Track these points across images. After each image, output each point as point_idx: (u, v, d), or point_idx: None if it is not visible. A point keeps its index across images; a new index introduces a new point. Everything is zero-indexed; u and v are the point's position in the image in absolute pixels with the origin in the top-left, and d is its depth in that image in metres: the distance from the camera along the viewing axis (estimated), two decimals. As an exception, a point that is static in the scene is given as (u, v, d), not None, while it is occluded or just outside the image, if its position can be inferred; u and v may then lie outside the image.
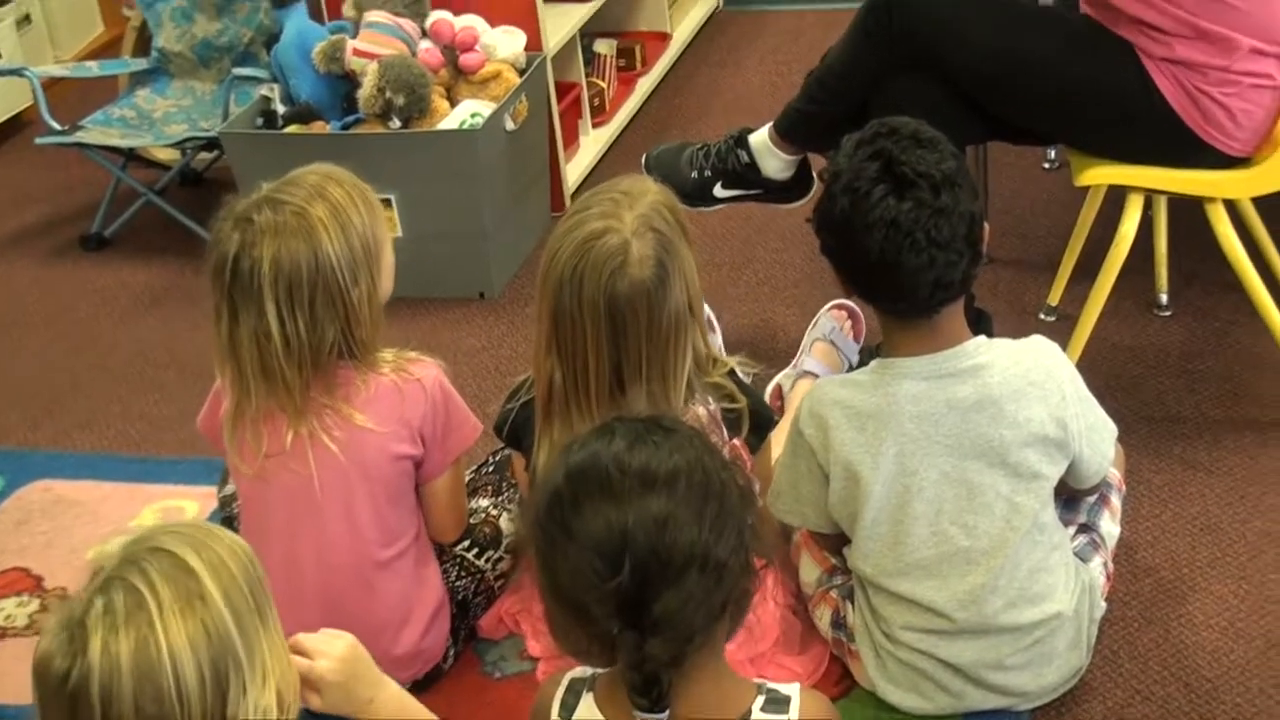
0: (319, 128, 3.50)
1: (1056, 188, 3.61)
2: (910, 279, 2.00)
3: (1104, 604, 2.23)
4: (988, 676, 2.12)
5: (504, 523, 2.44)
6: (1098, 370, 2.91)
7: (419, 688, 2.25)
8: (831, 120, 2.79)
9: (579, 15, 4.00)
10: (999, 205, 3.51)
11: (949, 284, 2.01)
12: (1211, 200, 2.68)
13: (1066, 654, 2.16)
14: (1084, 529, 2.27)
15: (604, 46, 4.39)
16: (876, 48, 2.70)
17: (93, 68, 4.24)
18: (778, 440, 2.37)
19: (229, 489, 2.48)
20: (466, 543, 2.38)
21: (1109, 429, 2.18)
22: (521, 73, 3.61)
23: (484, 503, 2.47)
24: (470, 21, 3.57)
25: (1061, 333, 2.95)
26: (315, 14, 3.69)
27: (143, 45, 4.18)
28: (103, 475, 3.00)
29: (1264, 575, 2.42)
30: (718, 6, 5.17)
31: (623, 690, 1.52)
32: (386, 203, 3.41)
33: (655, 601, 1.45)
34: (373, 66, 3.39)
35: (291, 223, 2.09)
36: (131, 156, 3.99)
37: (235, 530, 2.35)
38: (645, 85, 4.52)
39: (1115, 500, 2.32)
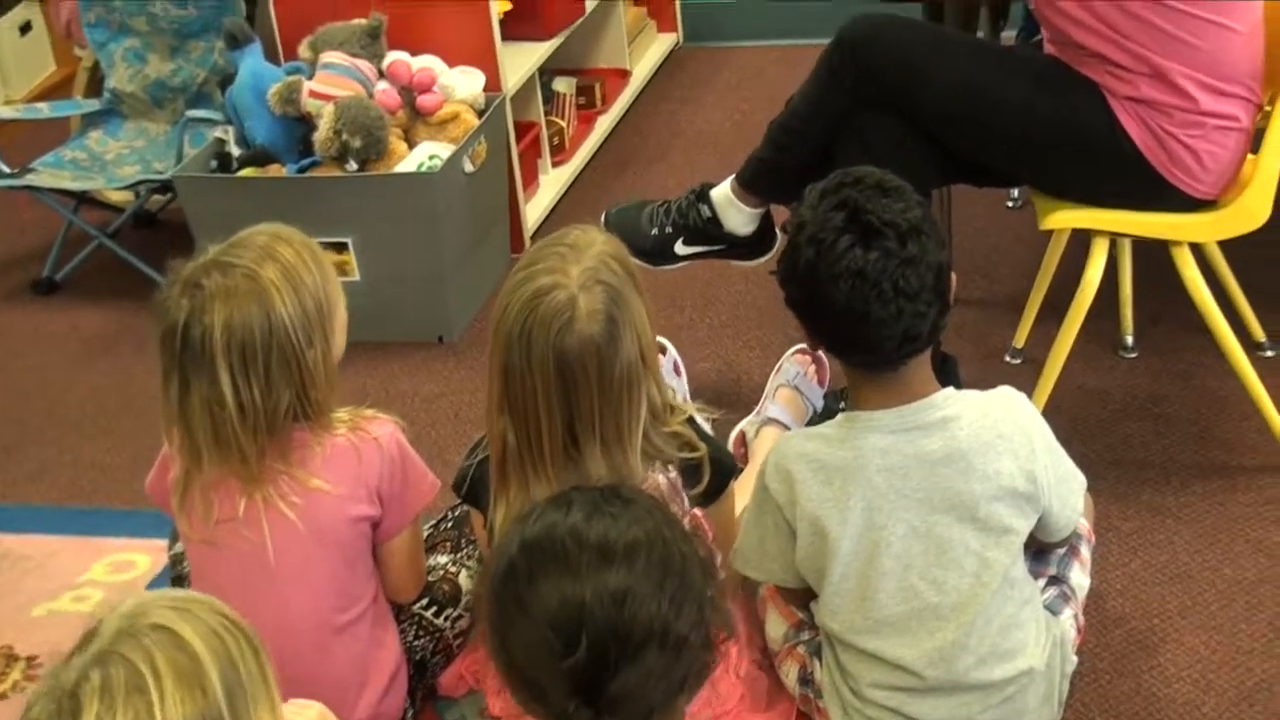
0: (274, 171, 3.45)
1: (1021, 226, 3.59)
2: (878, 330, 1.96)
3: (1075, 658, 2.19)
4: (958, 734, 2.08)
5: (463, 579, 2.39)
6: (1064, 414, 2.89)
7: (377, 751, 2.20)
8: (795, 167, 2.75)
9: (538, 54, 3.96)
10: (963, 244, 3.48)
11: (917, 335, 1.97)
12: (1177, 243, 2.66)
13: (1038, 710, 2.12)
14: (1054, 581, 2.23)
15: (563, 85, 4.35)
16: (840, 88, 2.66)
17: (43, 109, 4.17)
18: (742, 489, 2.33)
19: (179, 547, 2.42)
20: (425, 600, 2.33)
21: (1078, 481, 2.14)
22: (480, 113, 3.57)
23: (442, 559, 2.41)
24: (428, 62, 3.53)
25: (1028, 376, 2.95)
26: (270, 55, 3.65)
27: (95, 86, 4.12)
28: (53, 528, 2.93)
29: (1235, 625, 2.39)
30: (677, 43, 5.15)
31: None
32: (343, 246, 3.37)
33: (613, 680, 1.40)
34: (329, 109, 3.34)
35: (242, 286, 2.04)
36: (84, 199, 3.93)
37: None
38: (605, 123, 4.49)
39: (1085, 551, 2.29)
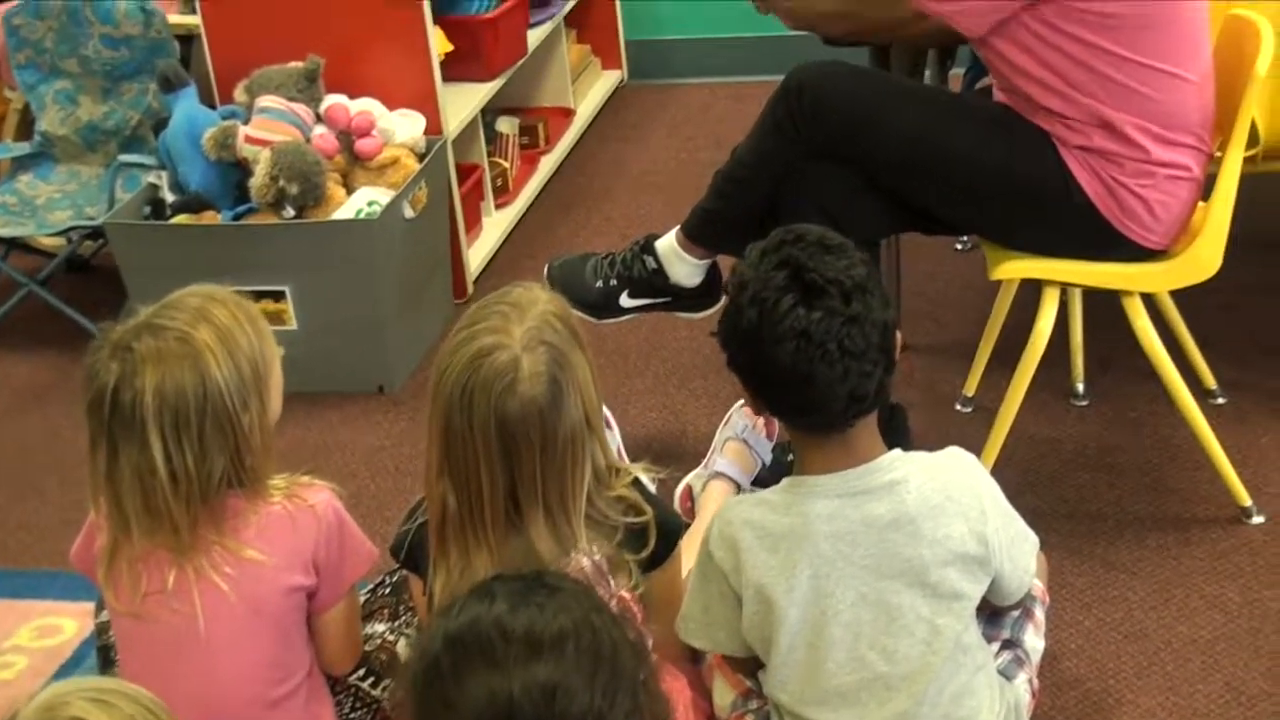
0: (209, 218, 3.37)
1: (970, 270, 3.55)
2: (824, 392, 1.90)
3: (1030, 723, 2.14)
4: (911, 806, 2.02)
5: (401, 648, 2.30)
6: (1016, 465, 2.85)
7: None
8: (742, 218, 2.71)
9: (480, 95, 3.90)
10: (911, 288, 3.44)
11: (863, 396, 1.92)
12: (1128, 293, 2.62)
13: (992, 778, 2.06)
14: (1008, 645, 2.17)
15: (506, 125, 4.30)
16: (787, 136, 2.62)
17: (-28, 152, 4.08)
18: (689, 547, 2.27)
19: (105, 615, 2.32)
20: (361, 671, 2.25)
21: (1030, 542, 2.09)
22: (421, 157, 3.51)
23: (380, 628, 2.33)
24: (367, 105, 3.47)
25: (978, 424, 2.92)
26: (205, 98, 3.57)
27: (25, 128, 4.03)
28: (-22, 591, 2.84)
29: (1191, 685, 2.34)
30: (622, 80, 5.11)
31: None
32: (280, 295, 3.29)
33: (549, 776, 1.33)
34: (265, 154, 3.27)
35: (175, 349, 1.96)
36: (14, 244, 3.83)
37: (113, 661, 2.24)
38: (549, 163, 4.44)
39: (1039, 613, 2.23)
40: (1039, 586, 2.25)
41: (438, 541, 2.06)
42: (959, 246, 3.67)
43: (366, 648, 2.27)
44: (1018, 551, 2.04)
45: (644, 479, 2.22)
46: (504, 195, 4.13)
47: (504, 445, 1.96)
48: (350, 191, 3.39)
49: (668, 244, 2.86)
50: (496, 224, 4.04)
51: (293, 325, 3.31)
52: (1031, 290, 2.69)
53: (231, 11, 3.56)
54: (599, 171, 4.47)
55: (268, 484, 2.07)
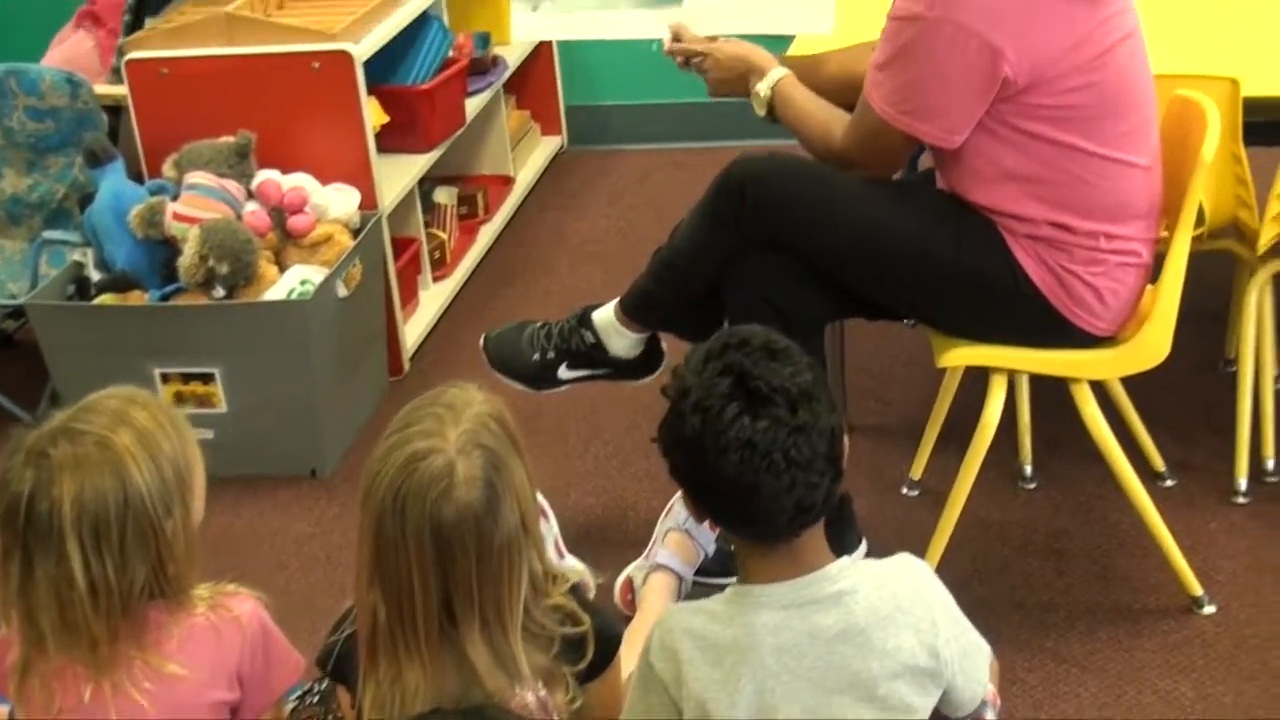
0: (136, 298, 3.28)
1: (914, 346, 3.50)
2: (769, 503, 1.83)
3: (983, 836, 2.07)
4: None
5: (330, 761, 2.22)
6: (965, 551, 2.79)
7: None
8: (681, 302, 2.66)
9: (417, 167, 3.83)
10: (855, 365, 3.39)
11: (810, 506, 1.85)
12: (1076, 380, 2.57)
13: None
14: (959, 753, 2.11)
15: (444, 195, 4.23)
16: (728, 227, 2.56)
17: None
18: (629, 646, 2.19)
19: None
20: (288, 786, 2.16)
21: (983, 652, 2.02)
22: (355, 233, 3.43)
23: (308, 740, 2.25)
24: (300, 180, 3.39)
25: (926, 508, 2.88)
26: (133, 173, 3.48)
27: (-52, 201, 3.92)
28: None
29: (1147, 787, 2.29)
30: (562, 146, 5.06)
31: None
32: (209, 377, 3.20)
33: None
34: (194, 232, 3.18)
35: (94, 455, 1.87)
36: (-64, 319, 3.73)
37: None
38: (488, 233, 4.37)
39: (990, 717, 2.17)
40: (991, 690, 2.18)
41: (368, 653, 1.97)
42: (905, 323, 3.61)
43: (293, 762, 2.18)
44: (970, 664, 1.98)
45: (583, 583, 2.16)
46: (442, 268, 4.05)
47: (438, 553, 1.89)
48: (283, 270, 3.30)
49: (606, 318, 2.80)
50: (434, 297, 3.96)
51: (222, 408, 3.22)
52: (978, 372, 2.64)
53: (161, 84, 3.47)
54: (539, 241, 4.41)
55: (191, 594, 1.99)
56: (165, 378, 3.23)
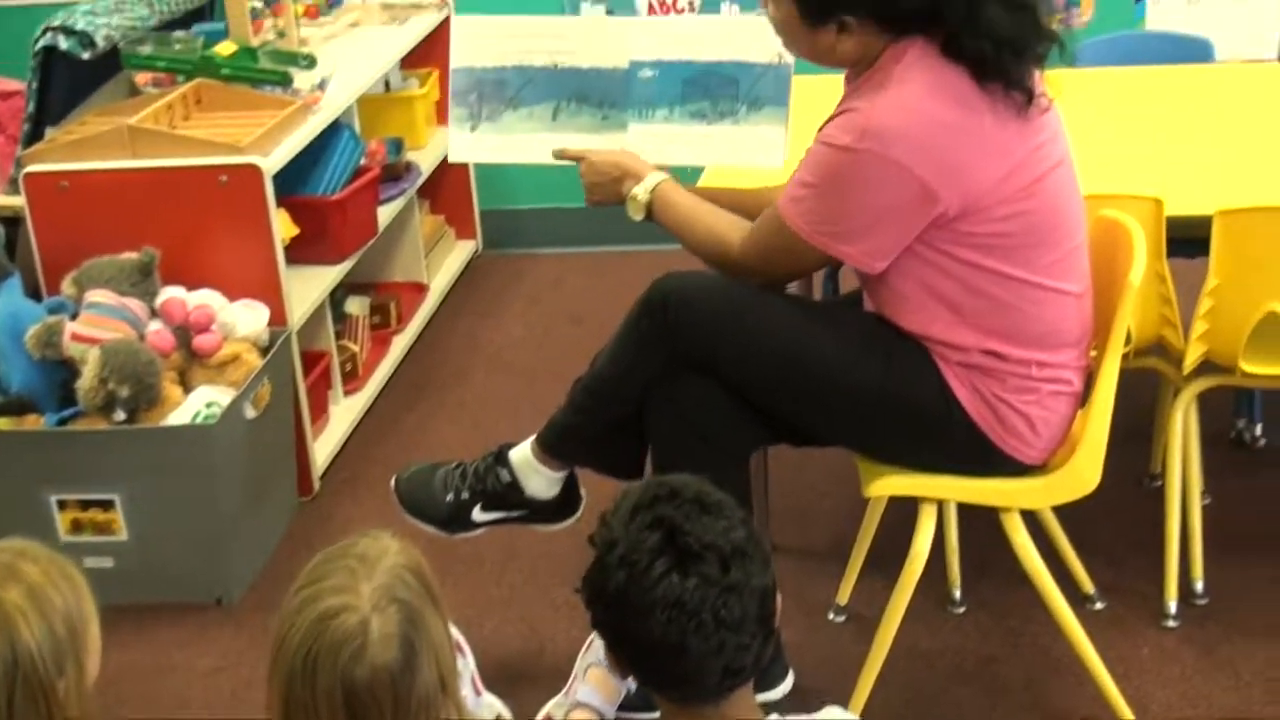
0: (31, 422, 3.16)
1: (838, 463, 3.38)
2: (697, 665, 1.75)
3: None
4: None
5: None
6: (895, 682, 2.72)
7: None
8: (602, 432, 2.58)
9: (328, 279, 3.74)
10: (778, 483, 3.30)
11: (740, 669, 1.77)
12: (1007, 509, 2.52)
13: None
14: None
15: (356, 306, 4.13)
16: (652, 350, 2.49)
17: None
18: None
19: None
20: None
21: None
22: (264, 351, 3.32)
23: None
24: (206, 298, 3.28)
25: (854, 636, 2.82)
26: (31, 290, 3.35)
27: None
28: None
29: None
30: (477, 250, 4.99)
31: None
32: (109, 504, 3.08)
33: None
34: (94, 353, 3.07)
35: None
36: None
37: None
38: (401, 343, 4.28)
39: None
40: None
41: (278, 821, 1.86)
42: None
43: None
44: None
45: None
46: (353, 381, 3.95)
47: (351, 716, 1.79)
48: (188, 391, 3.19)
49: (522, 455, 2.71)
50: (345, 412, 3.85)
51: (122, 535, 3.10)
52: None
53: (61, 197, 3.35)
54: (453, 350, 4.32)
55: (84, 762, 1.87)
56: (62, 504, 3.10)
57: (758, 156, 2.64)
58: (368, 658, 1.78)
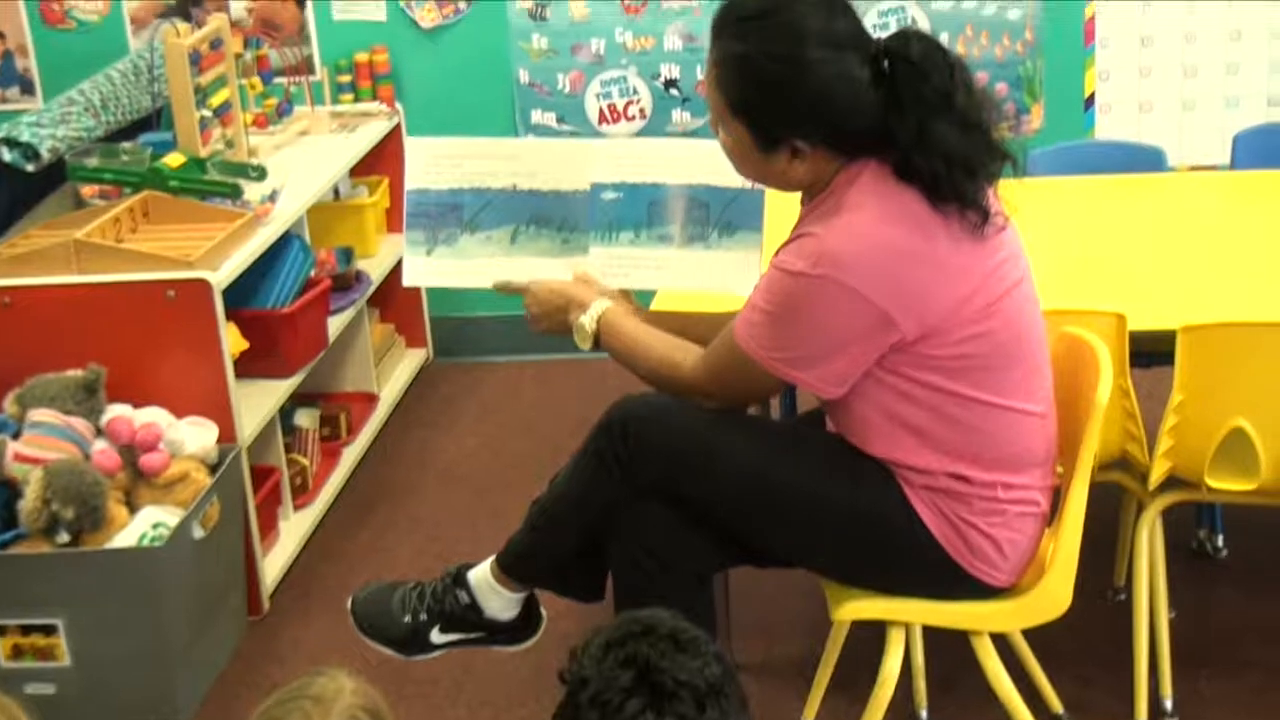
0: (-29, 545, 3.06)
1: (801, 576, 3.35)
2: (672, 807, 1.68)
3: None
4: None
5: None
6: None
7: None
8: (561, 554, 2.52)
9: (279, 394, 3.67)
10: (740, 598, 3.25)
11: (716, 809, 1.71)
12: (977, 633, 2.48)
13: None
14: None
15: (306, 418, 4.06)
16: (609, 474, 2.43)
17: None
18: None
19: None
20: None
21: None
22: (213, 469, 3.25)
23: None
24: (153, 415, 3.21)
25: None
26: (-28, 409, 3.27)
27: None
28: None
29: None
30: (428, 359, 4.93)
31: None
32: (51, 629, 2.99)
33: None
34: (37, 474, 2.99)
35: None
36: None
37: None
38: (352, 455, 4.21)
39: None
40: None
41: None
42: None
43: None
44: None
45: None
46: (303, 495, 3.87)
47: None
48: (134, 511, 3.11)
49: (481, 576, 2.64)
50: (295, 528, 3.77)
51: (65, 661, 3.00)
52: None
53: (3, 314, 3.26)
54: (404, 462, 4.25)
55: None
56: (2, 630, 3.00)
57: (730, 282, 2.56)
58: (325, 803, 1.71)
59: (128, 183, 3.59)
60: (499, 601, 2.64)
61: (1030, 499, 2.38)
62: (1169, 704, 2.88)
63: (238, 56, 4.16)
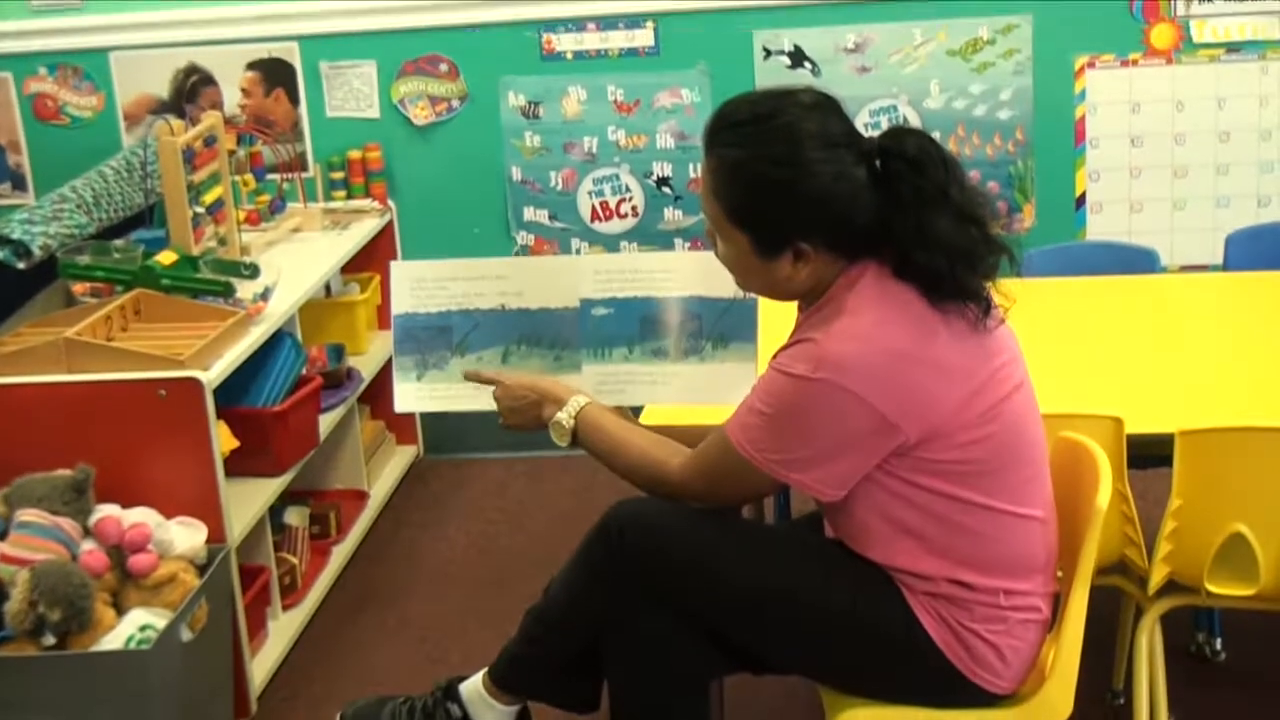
0: (-44, 652, 3.01)
1: (796, 680, 3.34)
2: None
3: None
4: None
5: None
6: None
7: None
8: (556, 663, 2.49)
9: (269, 492, 3.64)
10: (736, 702, 3.21)
11: None
12: (978, 740, 2.44)
13: None
14: None
15: (295, 516, 4.03)
16: (606, 581, 2.41)
17: None
18: None
19: None
20: None
21: None
22: (201, 569, 3.21)
23: None
24: (142, 515, 3.17)
25: None
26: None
27: None
28: None
29: None
30: (418, 455, 4.91)
31: None
32: (35, 734, 2.93)
33: None
34: (23, 575, 2.94)
35: None
36: None
37: None
38: (342, 554, 4.17)
39: None
40: None
41: None
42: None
43: None
44: None
45: None
46: (292, 594, 3.83)
47: None
48: (121, 613, 3.06)
49: (474, 689, 2.61)
50: (284, 629, 3.73)
51: (50, 767, 2.94)
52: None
53: (-8, 412, 3.26)
54: (395, 561, 4.21)
55: None
56: (-15, 735, 2.95)
57: (727, 395, 2.49)
58: None
59: (119, 280, 3.58)
60: (492, 715, 2.60)
61: (1032, 605, 2.35)
62: (1171, 814, 2.84)
63: (231, 153, 4.17)
